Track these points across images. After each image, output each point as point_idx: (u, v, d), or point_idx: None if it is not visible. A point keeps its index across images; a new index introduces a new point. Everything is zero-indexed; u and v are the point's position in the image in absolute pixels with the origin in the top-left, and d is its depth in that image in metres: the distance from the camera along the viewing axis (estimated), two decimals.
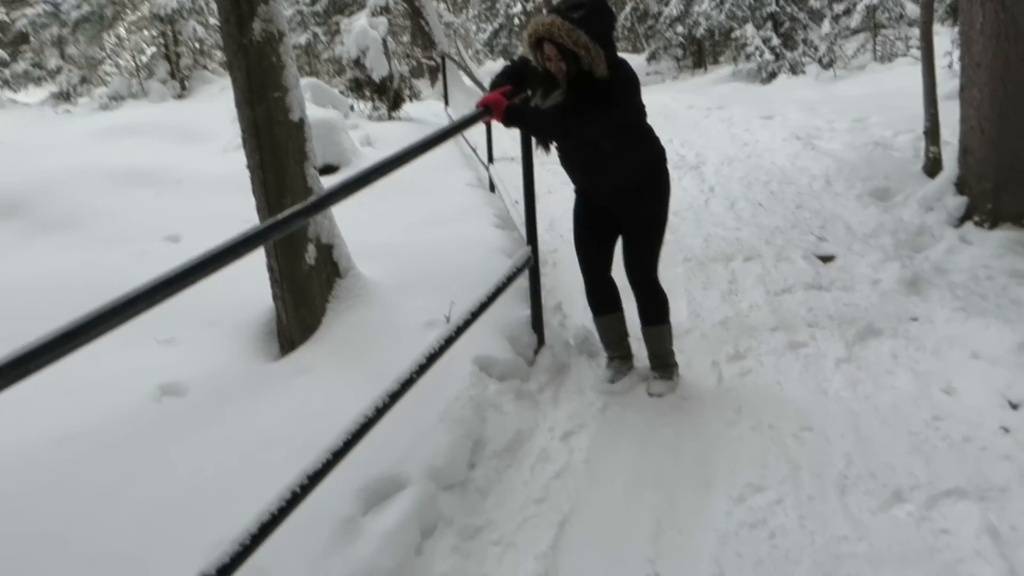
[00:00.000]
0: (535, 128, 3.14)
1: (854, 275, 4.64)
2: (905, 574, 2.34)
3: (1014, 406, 3.19)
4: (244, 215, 4.38)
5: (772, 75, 13.91)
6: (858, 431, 3.09)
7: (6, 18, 15.43)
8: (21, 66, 14.64)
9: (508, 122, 3.07)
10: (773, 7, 14.27)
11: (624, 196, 3.31)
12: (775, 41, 14.12)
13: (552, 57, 2.98)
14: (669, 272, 4.92)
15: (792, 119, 9.38)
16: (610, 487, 2.90)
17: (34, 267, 5.20)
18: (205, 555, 2.04)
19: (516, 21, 26.23)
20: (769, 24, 14.27)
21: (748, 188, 6.82)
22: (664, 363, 3.57)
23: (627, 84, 3.03)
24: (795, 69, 13.81)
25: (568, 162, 3.35)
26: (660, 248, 3.43)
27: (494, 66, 19.80)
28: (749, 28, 14.36)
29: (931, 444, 2.96)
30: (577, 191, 3.52)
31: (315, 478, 2.27)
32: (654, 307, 3.48)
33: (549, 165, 8.23)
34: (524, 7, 26.41)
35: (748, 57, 14.36)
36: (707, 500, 2.78)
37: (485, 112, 3.07)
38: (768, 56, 13.98)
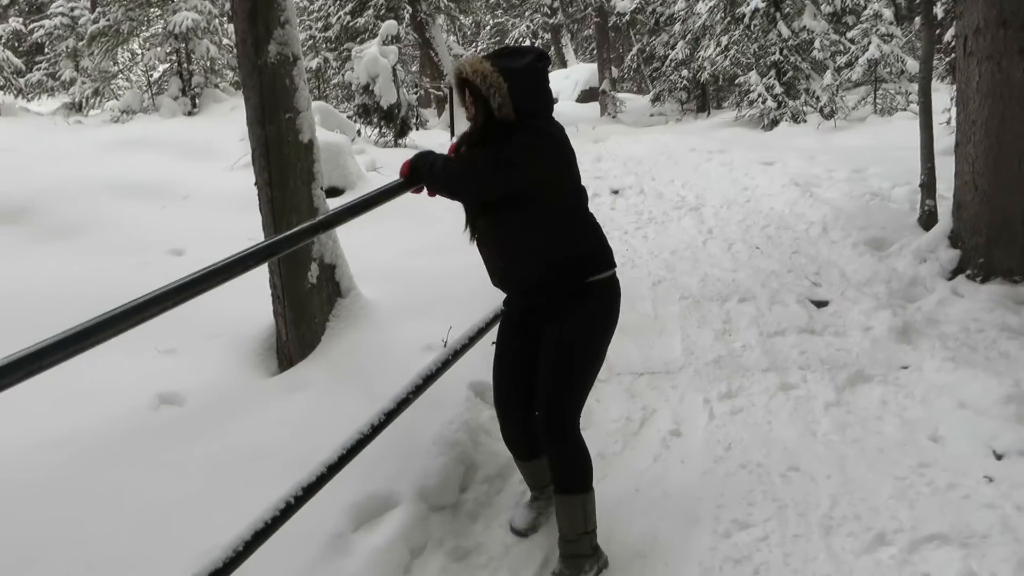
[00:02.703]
0: (436, 178, 2.55)
1: (847, 321, 4.71)
2: None
3: (999, 456, 3.24)
4: (249, 232, 4.44)
5: (774, 122, 14.12)
6: (844, 473, 3.14)
7: (23, 28, 15.64)
8: (36, 76, 14.83)
9: (413, 178, 2.60)
10: (777, 56, 14.51)
11: (535, 304, 2.61)
12: (778, 89, 14.35)
13: (469, 103, 2.54)
14: (664, 310, 5.01)
15: (792, 166, 9.52)
16: (599, 516, 2.93)
17: (37, 273, 5.24)
18: (197, 560, 2.07)
19: None
20: (773, 72, 14.50)
21: (746, 231, 6.92)
22: (574, 551, 2.59)
23: (534, 148, 2.43)
24: (797, 117, 14.02)
25: (478, 244, 2.68)
26: (584, 390, 2.58)
27: None
28: (753, 75, 14.59)
29: (916, 490, 3.00)
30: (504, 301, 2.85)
31: (309, 491, 2.30)
32: (566, 467, 2.58)
33: None
34: (533, 42, 26.83)
35: (751, 103, 14.57)
36: (692, 534, 2.82)
37: (406, 183, 2.63)
38: (771, 103, 14.20)
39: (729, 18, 15.84)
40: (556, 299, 2.53)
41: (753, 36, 15.03)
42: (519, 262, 2.56)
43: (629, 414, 3.71)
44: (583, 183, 2.62)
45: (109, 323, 1.77)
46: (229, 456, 2.92)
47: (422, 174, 2.57)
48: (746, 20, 14.96)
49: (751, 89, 14.58)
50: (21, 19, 15.92)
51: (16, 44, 15.50)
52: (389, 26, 11.94)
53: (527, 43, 27.25)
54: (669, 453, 3.37)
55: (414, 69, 21.83)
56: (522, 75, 2.47)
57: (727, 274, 5.70)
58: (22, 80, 14.44)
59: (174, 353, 3.95)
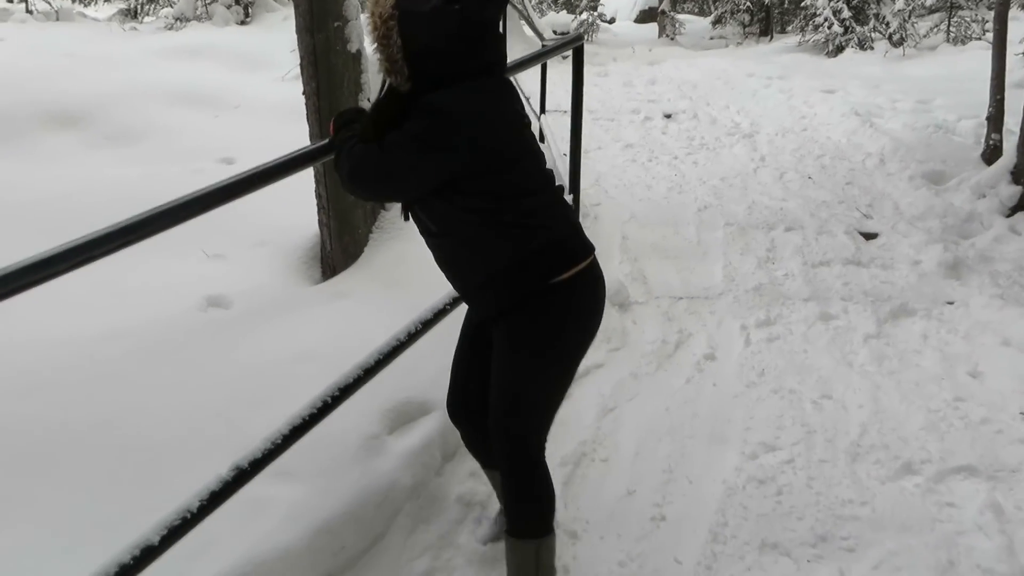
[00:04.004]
0: (340, 169, 1.97)
1: (895, 254, 4.62)
2: (904, 540, 2.41)
3: None
4: (298, 142, 4.46)
5: (839, 48, 13.55)
6: (877, 404, 3.14)
7: None
8: None
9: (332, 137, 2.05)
10: None
11: (483, 310, 2.05)
12: (846, 13, 13.72)
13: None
14: (708, 235, 4.96)
15: (854, 95, 9.18)
16: (627, 432, 2.99)
17: (94, 176, 5.39)
18: (237, 450, 2.18)
19: None
20: None
21: (800, 161, 6.75)
22: None
23: (444, 114, 1.76)
24: (863, 44, 13.43)
25: None
26: (543, 413, 2.03)
27: (556, 18, 19.58)
28: None
29: (948, 422, 3.00)
30: None
31: (346, 391, 2.38)
32: (518, 505, 2.06)
33: (601, 121, 8.25)
34: None
35: (816, 28, 13.98)
36: (719, 454, 2.87)
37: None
38: (837, 28, 13.61)
39: None
40: (505, 305, 1.93)
41: None
42: (450, 268, 2.02)
43: (665, 337, 3.73)
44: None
45: (156, 219, 1.83)
46: (271, 357, 3.03)
47: (335, 155, 2.00)
48: None
49: (817, 13, 13.96)
50: None
51: None
52: None
53: None
54: (702, 376, 3.40)
55: None
56: (423, 22, 1.75)
57: (776, 202, 5.59)
58: None
59: (222, 258, 4.06)
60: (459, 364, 2.24)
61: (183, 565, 1.94)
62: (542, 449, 2.05)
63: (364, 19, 1.83)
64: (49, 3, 13.37)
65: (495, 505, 2.49)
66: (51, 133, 6.34)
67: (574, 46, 3.68)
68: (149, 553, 1.75)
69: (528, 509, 2.06)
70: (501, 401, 2.00)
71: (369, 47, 1.90)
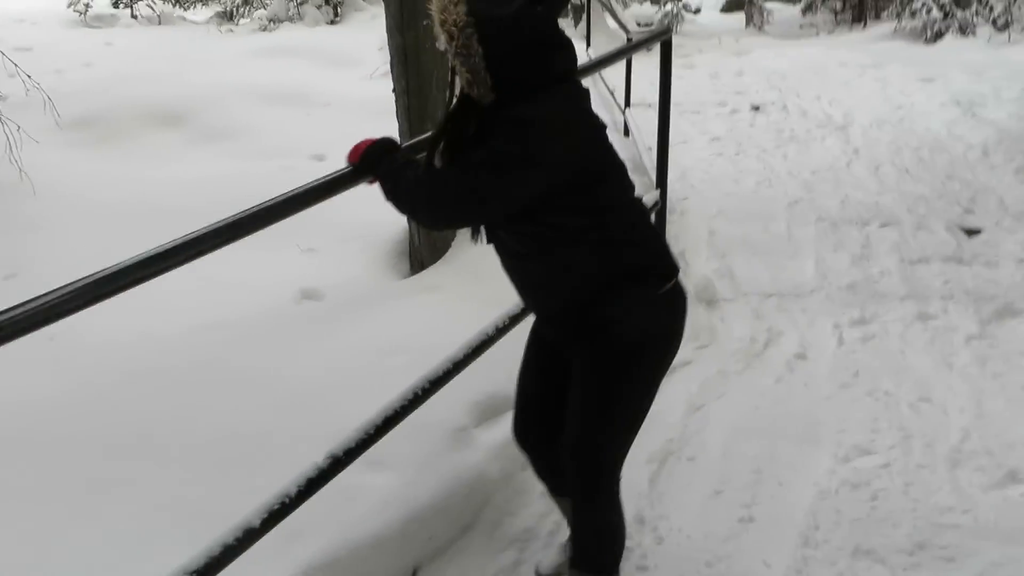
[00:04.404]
0: (400, 200, 1.80)
1: (999, 251, 4.41)
2: (1008, 551, 2.31)
3: None
4: None
5: (938, 34, 12.96)
6: (980, 408, 3.01)
7: None
8: None
9: (366, 171, 1.85)
10: None
11: (562, 335, 1.92)
12: None
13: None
14: (799, 231, 4.83)
15: (955, 83, 8.78)
16: (714, 431, 2.95)
17: (195, 172, 5.64)
18: (331, 439, 2.26)
19: None
20: None
21: (896, 153, 6.50)
22: None
23: (538, 127, 1.63)
24: (965, 29, 12.81)
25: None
26: (624, 439, 1.92)
27: (640, 10, 19.37)
28: None
29: None
30: None
31: (435, 384, 2.43)
32: (586, 537, 2.01)
33: (687, 114, 8.12)
34: None
35: (913, 14, 13.40)
36: (811, 456, 2.80)
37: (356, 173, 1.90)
38: (936, 13, 13.02)
39: None
40: (590, 328, 1.81)
41: None
42: (531, 291, 1.89)
43: (754, 335, 3.66)
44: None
45: (258, 216, 1.90)
46: (363, 349, 3.11)
47: (384, 186, 1.81)
48: None
49: None
50: None
51: None
52: None
53: None
54: (793, 376, 3.32)
55: None
56: (506, 28, 1.62)
57: (871, 197, 5.41)
58: None
59: (315, 252, 4.19)
60: (526, 387, 2.11)
61: (281, 547, 2.02)
62: (618, 480, 1.96)
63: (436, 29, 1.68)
64: (152, 8, 14.00)
65: (564, 531, 2.32)
66: (154, 132, 6.66)
67: (662, 39, 3.64)
68: (251, 535, 1.83)
69: (598, 544, 1.98)
70: (579, 428, 1.89)
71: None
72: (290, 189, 1.98)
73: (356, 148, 1.86)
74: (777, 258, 4.46)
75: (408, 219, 4.08)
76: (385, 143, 1.85)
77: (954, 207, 5.13)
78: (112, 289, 1.63)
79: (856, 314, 3.80)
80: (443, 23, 1.61)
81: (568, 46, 1.73)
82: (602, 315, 1.79)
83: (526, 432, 2.12)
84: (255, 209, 1.92)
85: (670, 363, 1.92)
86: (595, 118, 1.78)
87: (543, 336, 2.02)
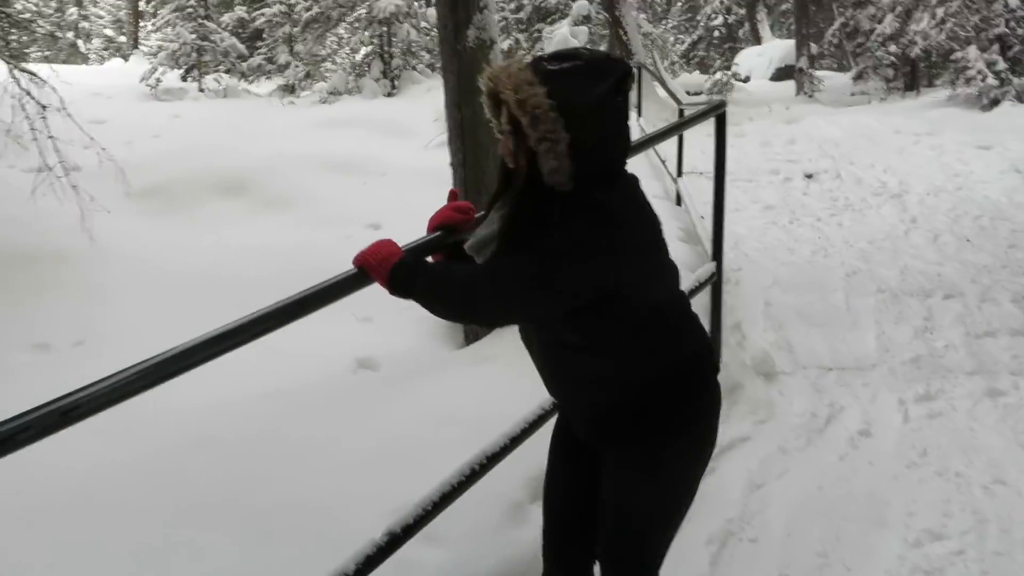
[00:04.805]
0: (436, 299, 1.67)
1: None
2: None
3: None
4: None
5: (994, 102, 12.82)
6: None
7: (246, 16, 17.15)
8: (256, 60, 16.26)
9: (395, 289, 1.67)
10: (1002, 28, 13.15)
11: (605, 432, 1.76)
12: (1001, 65, 13.00)
13: (504, 131, 1.63)
14: (858, 302, 4.75)
15: (1013, 150, 8.65)
16: (777, 511, 2.87)
17: (257, 240, 5.80)
18: (390, 514, 2.25)
19: (716, 34, 25.79)
20: (996, 47, 13.16)
21: (955, 222, 6.40)
22: None
23: (598, 245, 1.54)
24: (1022, 96, 12.68)
25: (526, 343, 1.88)
26: (663, 542, 1.82)
27: (689, 78, 19.59)
28: (972, 50, 13.31)
29: None
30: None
31: (492, 459, 2.42)
32: None
33: (739, 182, 8.13)
34: (725, 19, 25.95)
35: (968, 81, 13.31)
36: (880, 539, 2.69)
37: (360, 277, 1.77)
38: (992, 81, 12.90)
39: None
40: (635, 424, 1.70)
41: (975, 7, 13.70)
42: (580, 385, 1.75)
43: (815, 410, 3.57)
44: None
45: (322, 294, 1.93)
46: (419, 420, 3.12)
47: (410, 289, 1.65)
48: None
49: (969, 65, 13.32)
50: (244, 8, 17.49)
51: (240, 31, 17.05)
52: (580, 6, 11.99)
53: (719, 20, 26.19)
54: (857, 453, 3.22)
55: (604, 48, 21.76)
56: (592, 116, 1.53)
57: (931, 267, 5.30)
58: (244, 64, 15.86)
59: (370, 321, 4.24)
60: (558, 500, 1.94)
61: None
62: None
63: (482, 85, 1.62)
64: (218, 82, 14.65)
65: None
66: (218, 200, 6.90)
67: (716, 113, 3.66)
68: None
69: None
70: (623, 531, 1.78)
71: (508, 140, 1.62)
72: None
73: (369, 255, 1.69)
74: (836, 330, 4.38)
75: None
76: (405, 261, 1.66)
77: (1019, 278, 5.00)
78: (180, 368, 1.67)
79: (921, 389, 3.69)
80: (521, 104, 1.50)
81: (629, 136, 1.67)
82: (653, 409, 1.68)
83: (562, 552, 1.96)
84: (322, 286, 1.95)
85: (708, 460, 1.82)
86: (650, 211, 1.71)
87: (573, 437, 1.88)
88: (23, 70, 5.62)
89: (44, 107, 5.58)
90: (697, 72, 22.82)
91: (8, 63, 5.84)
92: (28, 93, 5.60)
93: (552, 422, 2.15)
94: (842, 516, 2.82)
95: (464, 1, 3.84)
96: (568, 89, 1.52)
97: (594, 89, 1.52)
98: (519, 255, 1.57)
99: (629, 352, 1.66)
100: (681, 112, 7.97)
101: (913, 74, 17.48)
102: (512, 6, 17.70)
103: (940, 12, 14.68)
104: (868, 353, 4.08)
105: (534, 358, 1.83)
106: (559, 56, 1.57)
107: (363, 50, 14.54)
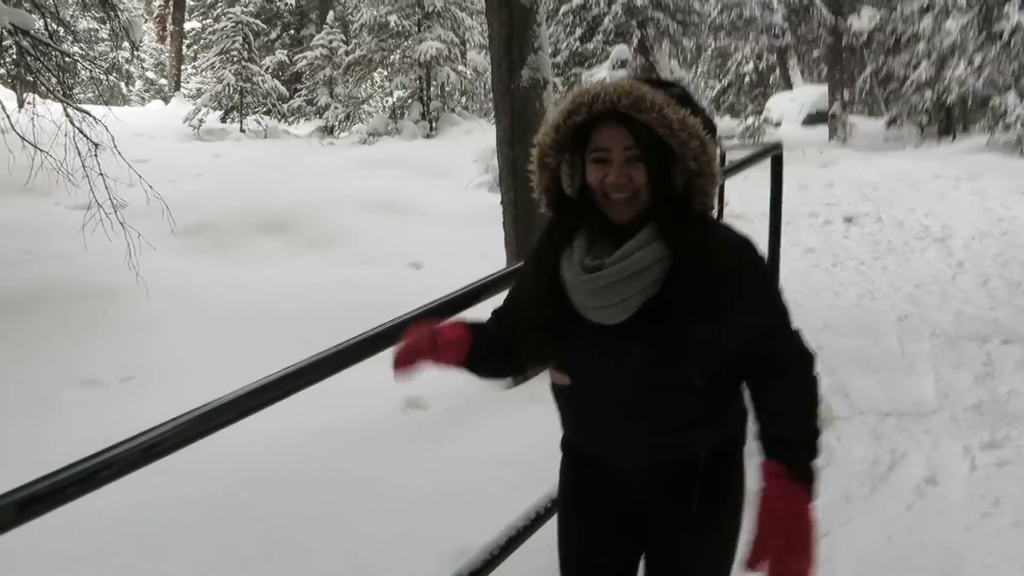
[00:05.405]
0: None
1: None
2: None
3: None
4: (479, 249, 4.65)
5: None
6: None
7: (287, 59, 17.54)
8: (296, 102, 16.59)
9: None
10: None
11: (673, 490, 1.58)
12: None
13: (615, 157, 1.44)
14: (913, 347, 4.64)
15: None
16: (844, 562, 2.76)
17: (298, 278, 5.82)
18: (452, 555, 2.20)
19: (746, 79, 25.91)
20: None
21: (1004, 267, 6.27)
22: None
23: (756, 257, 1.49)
24: None
25: (574, 393, 1.61)
26: None
27: (721, 124, 19.63)
28: (1010, 96, 13.24)
29: None
30: (571, 461, 1.79)
31: (556, 503, 2.36)
32: None
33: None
34: (756, 65, 26.08)
35: (1007, 127, 13.22)
36: None
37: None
38: None
39: (984, 35, 14.49)
40: (709, 477, 1.57)
41: (1013, 54, 13.65)
42: (680, 428, 1.53)
43: (876, 456, 3.46)
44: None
45: (367, 343, 1.92)
46: (473, 460, 3.07)
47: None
48: (1004, 37, 13.62)
49: (1007, 111, 13.24)
50: (285, 51, 17.91)
51: (280, 73, 17.43)
52: (620, 51, 12.11)
53: (750, 66, 26.33)
54: (925, 502, 3.11)
55: None
56: (710, 131, 1.46)
57: (984, 312, 5.19)
58: (285, 106, 16.18)
59: None
60: (599, 560, 1.74)
61: None
62: None
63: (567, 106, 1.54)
64: (259, 123, 14.93)
65: None
66: (260, 238, 6.97)
67: (773, 154, 3.64)
68: None
69: None
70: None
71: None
72: (418, 306, 2.02)
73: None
74: (892, 375, 4.27)
75: None
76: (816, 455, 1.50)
77: None
78: (259, 404, 1.66)
79: (987, 437, 3.57)
80: (661, 117, 1.40)
81: None
82: (726, 458, 1.60)
83: None
84: (381, 328, 1.94)
85: None
86: None
87: (612, 511, 1.68)
88: (78, 109, 5.75)
89: (96, 144, 5.69)
90: (728, 117, 22.87)
91: (62, 102, 5.98)
92: (80, 131, 5.73)
93: None
94: (915, 568, 2.71)
95: (519, 42, 3.87)
96: (704, 110, 1.49)
97: (692, 104, 1.47)
98: (773, 289, 1.55)
99: (732, 390, 1.57)
100: (723, 154, 7.96)
101: (948, 120, 17.38)
102: (549, 51, 17.94)
103: (977, 59, 14.64)
104: (927, 399, 3.97)
105: (610, 409, 1.55)
106: (656, 83, 1.50)
107: (401, 92, 14.78)
